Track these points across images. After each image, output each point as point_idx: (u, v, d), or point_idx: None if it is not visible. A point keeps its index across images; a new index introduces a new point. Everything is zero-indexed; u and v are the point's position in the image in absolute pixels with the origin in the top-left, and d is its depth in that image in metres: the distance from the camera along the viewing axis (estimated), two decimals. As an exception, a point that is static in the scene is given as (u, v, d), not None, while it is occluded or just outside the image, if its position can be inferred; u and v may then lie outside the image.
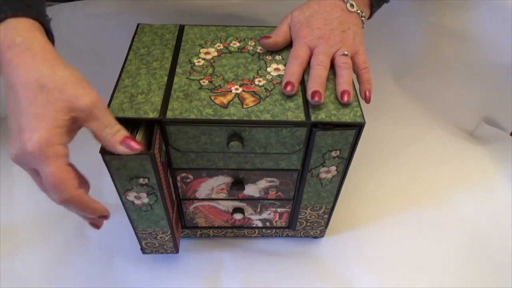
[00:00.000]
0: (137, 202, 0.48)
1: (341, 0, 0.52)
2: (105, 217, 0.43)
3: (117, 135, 0.39)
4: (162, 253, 0.58)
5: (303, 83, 0.49)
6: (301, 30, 0.52)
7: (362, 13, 0.53)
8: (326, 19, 0.51)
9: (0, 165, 0.70)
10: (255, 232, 0.64)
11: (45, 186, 0.37)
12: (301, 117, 0.45)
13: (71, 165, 0.38)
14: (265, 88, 0.48)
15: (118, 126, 0.40)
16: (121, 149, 0.39)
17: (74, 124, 0.38)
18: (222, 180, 0.53)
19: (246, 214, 0.59)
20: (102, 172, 0.46)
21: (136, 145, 0.40)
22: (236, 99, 0.47)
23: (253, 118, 0.45)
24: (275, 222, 0.62)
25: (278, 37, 0.53)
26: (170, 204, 0.51)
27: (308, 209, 0.58)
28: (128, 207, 0.49)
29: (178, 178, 0.52)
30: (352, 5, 0.52)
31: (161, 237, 0.55)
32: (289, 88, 0.47)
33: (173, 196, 0.54)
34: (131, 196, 0.47)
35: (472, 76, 0.77)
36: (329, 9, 0.52)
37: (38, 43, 0.38)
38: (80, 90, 0.37)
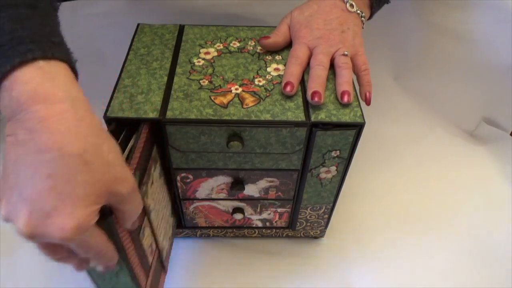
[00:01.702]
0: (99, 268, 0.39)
1: (341, 0, 0.52)
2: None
3: (136, 218, 0.37)
4: None
5: (303, 83, 0.49)
6: (301, 30, 0.52)
7: (362, 14, 0.53)
8: (326, 19, 0.51)
9: (0, 165, 0.70)
10: (255, 232, 0.64)
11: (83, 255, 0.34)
12: (301, 117, 0.45)
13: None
14: (265, 88, 0.48)
15: (141, 208, 0.38)
16: (129, 227, 0.38)
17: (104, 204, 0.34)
18: (222, 180, 0.53)
19: (246, 214, 0.59)
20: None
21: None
22: (236, 99, 0.47)
23: (253, 118, 0.45)
24: (275, 222, 0.62)
25: (277, 37, 0.53)
26: (142, 273, 0.44)
27: (308, 209, 0.58)
28: (89, 272, 0.41)
29: (178, 178, 0.52)
30: (352, 5, 0.52)
31: None
32: (288, 88, 0.47)
33: (150, 262, 0.47)
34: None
35: (472, 76, 0.77)
36: (329, 9, 0.52)
37: (82, 103, 0.32)
38: (122, 173, 0.33)
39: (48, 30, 0.33)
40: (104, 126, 0.42)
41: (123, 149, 0.42)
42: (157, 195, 0.48)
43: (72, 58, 0.34)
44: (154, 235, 0.48)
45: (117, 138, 0.42)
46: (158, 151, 0.48)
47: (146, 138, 0.43)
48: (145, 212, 0.44)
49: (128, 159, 0.41)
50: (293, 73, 0.48)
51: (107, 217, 0.34)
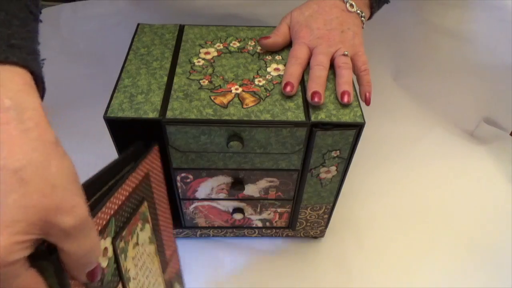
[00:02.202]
0: None
1: (341, 0, 0.52)
2: None
3: (93, 264, 0.30)
4: None
5: (303, 83, 0.49)
6: (301, 30, 0.52)
7: (362, 14, 0.53)
8: (326, 19, 0.51)
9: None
10: (255, 232, 0.64)
11: None
12: (301, 117, 0.45)
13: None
14: (265, 88, 0.48)
15: (99, 252, 0.30)
16: (83, 279, 0.30)
17: (40, 237, 0.27)
18: (222, 180, 0.53)
19: (246, 214, 0.59)
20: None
21: (97, 275, 0.31)
22: (236, 99, 0.47)
23: (253, 118, 0.45)
24: (275, 222, 0.62)
25: (277, 37, 0.53)
26: None
27: (308, 209, 0.58)
28: None
29: (178, 178, 0.52)
30: (351, 5, 0.52)
31: None
32: (288, 88, 0.47)
33: None
34: None
35: (472, 76, 0.77)
36: (329, 9, 0.52)
37: (33, 112, 0.28)
38: (69, 201, 0.27)
39: (8, 33, 0.30)
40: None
41: (115, 172, 0.37)
42: (142, 264, 0.41)
43: (35, 64, 0.31)
44: None
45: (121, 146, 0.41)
46: (153, 209, 0.42)
47: (145, 173, 0.39)
48: (120, 277, 0.37)
49: (109, 190, 0.34)
50: (293, 73, 0.48)
51: (47, 256, 0.27)
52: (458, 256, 0.64)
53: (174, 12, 0.71)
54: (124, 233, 0.37)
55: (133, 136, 0.46)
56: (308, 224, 0.61)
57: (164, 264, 0.48)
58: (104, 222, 0.33)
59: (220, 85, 0.48)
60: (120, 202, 0.35)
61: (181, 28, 0.57)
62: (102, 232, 0.33)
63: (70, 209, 0.27)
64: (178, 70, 0.50)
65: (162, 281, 0.46)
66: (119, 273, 0.36)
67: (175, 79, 0.49)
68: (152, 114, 0.44)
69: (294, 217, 0.60)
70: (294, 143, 0.47)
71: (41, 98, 0.31)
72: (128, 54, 0.52)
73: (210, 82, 0.49)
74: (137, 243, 0.39)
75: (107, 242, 0.34)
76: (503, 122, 0.82)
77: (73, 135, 0.70)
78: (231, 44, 0.55)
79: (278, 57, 0.53)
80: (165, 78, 0.49)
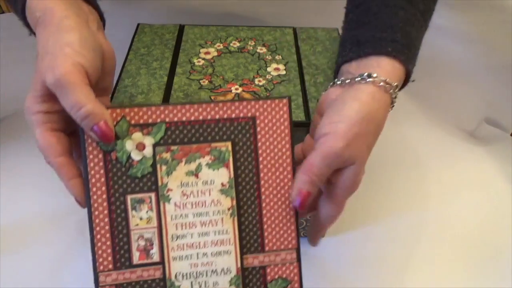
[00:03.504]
0: None
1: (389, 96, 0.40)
2: (79, 203, 0.37)
3: (87, 120, 0.33)
4: None
5: (303, 83, 0.49)
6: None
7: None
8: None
9: (1, 165, 0.70)
10: (255, 232, 0.64)
11: None
12: (301, 117, 0.45)
13: (58, 130, 0.35)
14: (265, 88, 0.48)
15: (87, 108, 0.33)
16: (92, 135, 0.34)
17: (46, 93, 0.34)
18: (222, 180, 0.53)
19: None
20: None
21: (108, 132, 0.34)
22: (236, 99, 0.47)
23: (253, 118, 0.45)
24: (275, 222, 0.61)
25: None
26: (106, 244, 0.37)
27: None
28: None
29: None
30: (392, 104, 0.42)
31: None
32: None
33: (131, 257, 0.36)
34: None
35: (472, 76, 0.77)
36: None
37: (50, 14, 0.35)
38: (52, 62, 0.33)
39: None
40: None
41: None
42: (198, 203, 0.37)
43: None
44: (161, 237, 0.36)
45: None
46: (248, 165, 0.37)
47: (246, 115, 0.37)
48: (156, 188, 0.36)
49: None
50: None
51: None
52: (458, 256, 0.64)
53: (174, 12, 0.71)
54: (175, 148, 0.36)
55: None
56: (308, 224, 0.61)
57: (249, 243, 0.38)
58: (150, 120, 0.35)
59: (220, 85, 0.48)
60: (183, 118, 0.35)
61: (181, 28, 0.57)
62: (141, 127, 0.35)
63: (51, 69, 0.32)
64: (178, 70, 0.50)
65: (235, 257, 0.38)
66: (155, 181, 0.36)
67: (175, 79, 0.49)
68: (152, 114, 0.44)
69: (294, 217, 0.60)
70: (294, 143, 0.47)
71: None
72: (128, 54, 0.52)
73: (210, 82, 0.49)
74: (195, 175, 0.36)
75: (146, 140, 0.35)
76: (503, 122, 0.82)
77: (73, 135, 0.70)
78: (231, 44, 0.55)
79: (278, 57, 0.53)
80: (165, 78, 0.49)
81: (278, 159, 0.38)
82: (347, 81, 0.39)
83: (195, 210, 0.37)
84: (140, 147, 0.35)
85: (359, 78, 0.38)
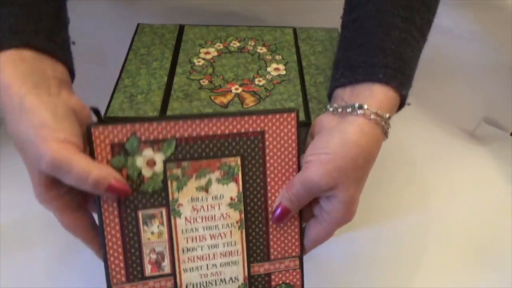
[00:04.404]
0: None
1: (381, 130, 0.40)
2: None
3: (97, 187, 0.33)
4: None
5: (303, 83, 0.49)
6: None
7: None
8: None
9: (1, 165, 0.70)
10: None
11: None
12: (301, 117, 0.45)
13: (78, 208, 0.36)
14: (265, 88, 0.48)
15: (92, 177, 0.32)
16: (109, 195, 0.35)
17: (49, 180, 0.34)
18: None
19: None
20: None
21: (122, 187, 0.34)
22: (236, 99, 0.47)
23: (253, 118, 0.45)
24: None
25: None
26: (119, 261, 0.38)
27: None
28: None
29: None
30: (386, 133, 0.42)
31: None
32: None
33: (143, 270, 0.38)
34: None
35: (472, 76, 0.77)
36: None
37: (8, 95, 0.33)
38: (36, 151, 0.32)
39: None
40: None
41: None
42: (207, 217, 0.38)
43: (46, 41, 0.36)
44: (172, 246, 0.38)
45: None
46: (256, 178, 0.38)
47: (255, 129, 0.37)
48: (167, 203, 0.37)
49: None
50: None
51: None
52: (458, 256, 0.64)
53: (174, 12, 0.71)
54: (185, 164, 0.36)
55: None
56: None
57: (256, 252, 0.40)
58: (161, 136, 0.35)
59: (220, 85, 0.48)
60: (193, 133, 0.36)
61: (181, 28, 0.57)
62: (152, 143, 0.35)
63: (40, 159, 0.32)
64: (178, 70, 0.50)
65: (242, 267, 0.40)
66: (166, 197, 0.37)
67: (175, 79, 0.49)
68: (152, 114, 0.44)
69: (294, 217, 0.60)
70: (294, 143, 0.47)
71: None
72: (128, 54, 0.52)
73: (210, 82, 0.49)
74: (205, 190, 0.37)
75: (157, 157, 0.35)
76: (503, 122, 0.82)
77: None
78: (231, 44, 0.55)
79: (278, 57, 0.53)
80: (165, 78, 0.49)
81: (285, 172, 0.39)
82: (339, 110, 0.39)
83: (205, 223, 0.38)
84: (151, 163, 0.35)
85: (350, 109, 0.37)
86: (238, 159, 0.37)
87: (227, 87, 0.48)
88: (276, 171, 0.38)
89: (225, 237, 0.38)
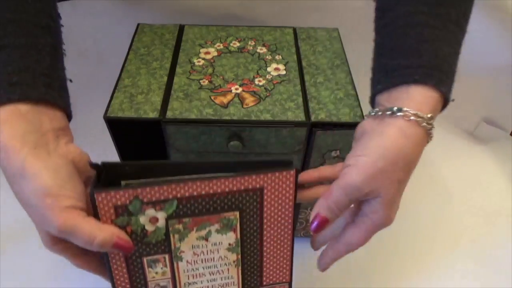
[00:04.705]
0: None
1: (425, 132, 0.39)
2: None
3: (104, 247, 0.34)
4: None
5: (303, 84, 0.49)
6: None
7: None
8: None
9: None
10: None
11: None
12: (301, 117, 0.45)
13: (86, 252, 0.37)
14: (265, 88, 0.48)
15: (98, 240, 0.33)
16: (114, 251, 0.36)
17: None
18: (222, 180, 0.53)
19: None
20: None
21: (126, 244, 0.35)
22: (236, 99, 0.47)
23: (253, 118, 0.45)
24: (275, 222, 0.61)
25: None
26: None
27: (308, 209, 0.58)
28: None
29: (178, 178, 0.52)
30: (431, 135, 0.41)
31: None
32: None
33: None
34: None
35: (472, 76, 0.77)
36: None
37: (7, 159, 0.33)
38: (42, 218, 0.33)
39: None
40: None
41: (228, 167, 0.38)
42: (207, 259, 0.41)
43: (39, 93, 0.34)
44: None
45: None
46: (253, 228, 0.40)
47: (254, 186, 0.38)
48: (169, 250, 0.39)
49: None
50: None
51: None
52: (458, 256, 0.64)
53: (174, 12, 0.71)
54: (187, 220, 0.38)
55: (133, 136, 0.46)
56: (309, 224, 0.61)
57: (250, 281, 0.44)
58: (162, 197, 0.36)
59: (220, 85, 0.48)
60: (194, 193, 0.36)
61: (181, 28, 0.57)
62: (154, 204, 0.36)
63: (47, 224, 0.33)
64: (178, 70, 0.50)
65: None
66: (169, 245, 0.39)
67: (175, 79, 0.49)
68: (152, 114, 0.44)
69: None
70: (294, 143, 0.47)
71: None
72: (128, 54, 0.52)
73: (210, 82, 0.49)
74: (205, 239, 0.40)
75: (159, 215, 0.37)
76: (503, 122, 0.82)
77: (73, 135, 0.70)
78: (231, 44, 0.55)
79: (278, 57, 0.53)
80: (165, 78, 0.49)
81: (281, 220, 0.41)
82: (379, 113, 0.38)
83: (205, 264, 0.41)
84: (153, 220, 0.37)
85: (389, 112, 0.37)
86: (237, 213, 0.39)
87: (227, 87, 0.48)
88: (272, 220, 0.40)
89: (223, 273, 0.42)
